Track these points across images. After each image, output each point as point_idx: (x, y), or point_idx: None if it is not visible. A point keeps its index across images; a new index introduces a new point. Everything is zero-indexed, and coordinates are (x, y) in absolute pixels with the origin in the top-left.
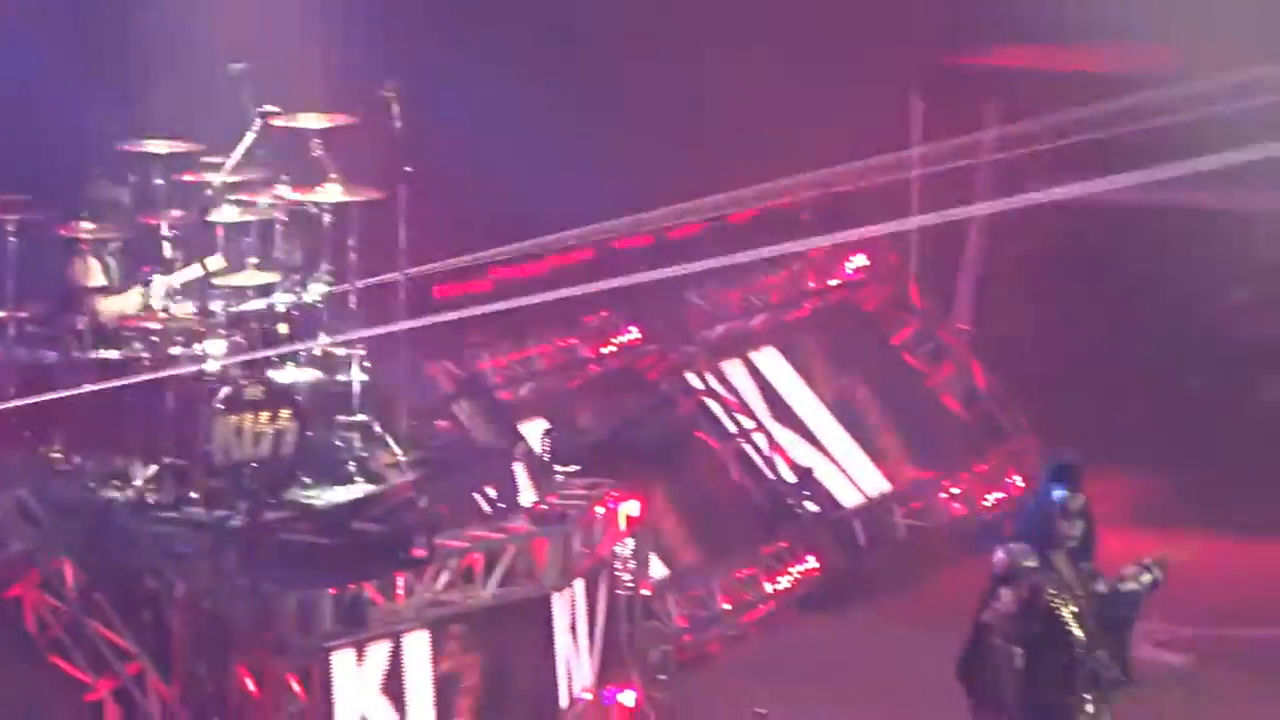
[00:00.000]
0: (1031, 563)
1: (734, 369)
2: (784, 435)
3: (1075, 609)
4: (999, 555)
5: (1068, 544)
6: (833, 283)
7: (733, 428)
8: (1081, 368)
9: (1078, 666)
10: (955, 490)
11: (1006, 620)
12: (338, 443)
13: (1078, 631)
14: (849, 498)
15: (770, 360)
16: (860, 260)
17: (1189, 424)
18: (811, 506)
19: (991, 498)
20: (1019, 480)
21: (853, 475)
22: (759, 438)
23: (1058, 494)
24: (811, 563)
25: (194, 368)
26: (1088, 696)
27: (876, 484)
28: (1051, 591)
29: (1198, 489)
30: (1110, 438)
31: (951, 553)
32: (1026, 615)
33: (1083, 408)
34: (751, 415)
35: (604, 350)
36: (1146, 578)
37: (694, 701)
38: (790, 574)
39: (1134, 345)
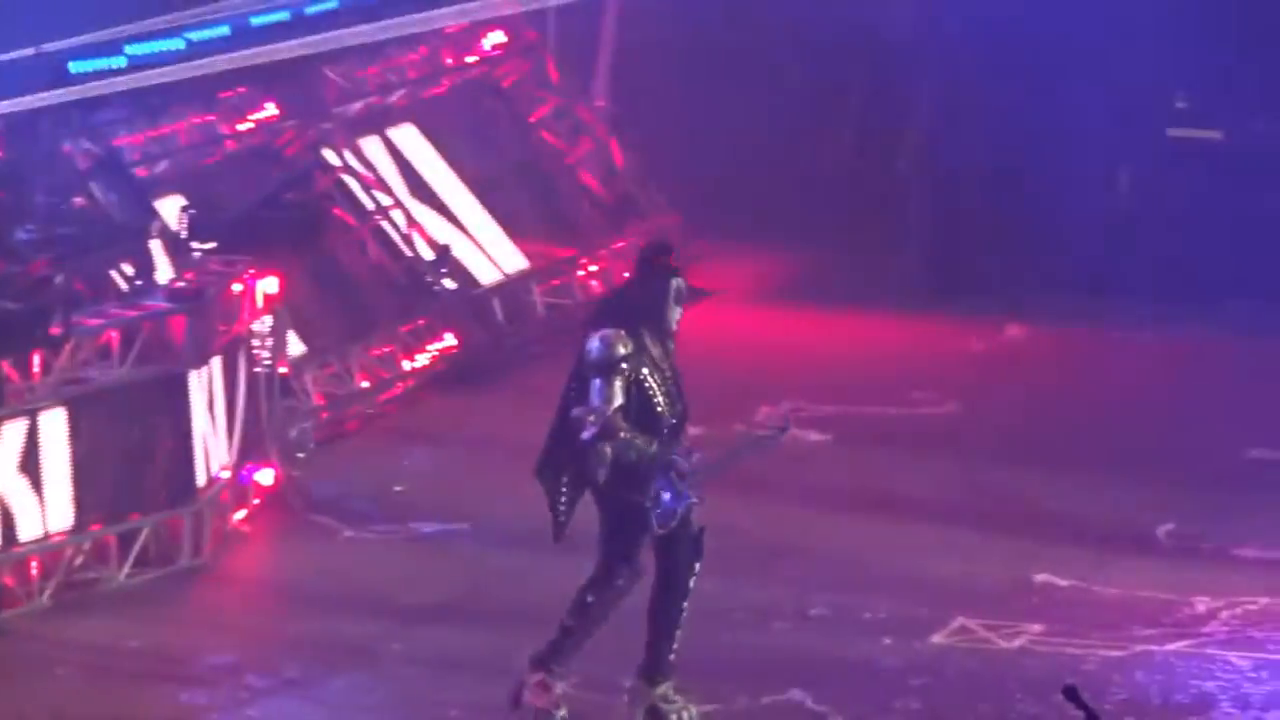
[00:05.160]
0: (626, 349)
1: (372, 146)
2: (422, 213)
3: (663, 387)
4: (595, 344)
5: (673, 328)
6: (470, 59)
7: (371, 205)
8: (718, 145)
9: (667, 444)
10: (593, 268)
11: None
12: None
13: (664, 406)
14: (487, 275)
15: (408, 137)
16: (498, 37)
17: (824, 200)
18: (450, 284)
19: (629, 275)
20: None
21: (491, 253)
22: (397, 215)
23: (675, 281)
24: (450, 340)
25: None
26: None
27: (515, 261)
28: (645, 371)
29: (828, 265)
30: (744, 214)
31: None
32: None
33: (718, 184)
34: (389, 192)
35: (241, 127)
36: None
37: (333, 480)
38: (428, 351)
39: (770, 123)
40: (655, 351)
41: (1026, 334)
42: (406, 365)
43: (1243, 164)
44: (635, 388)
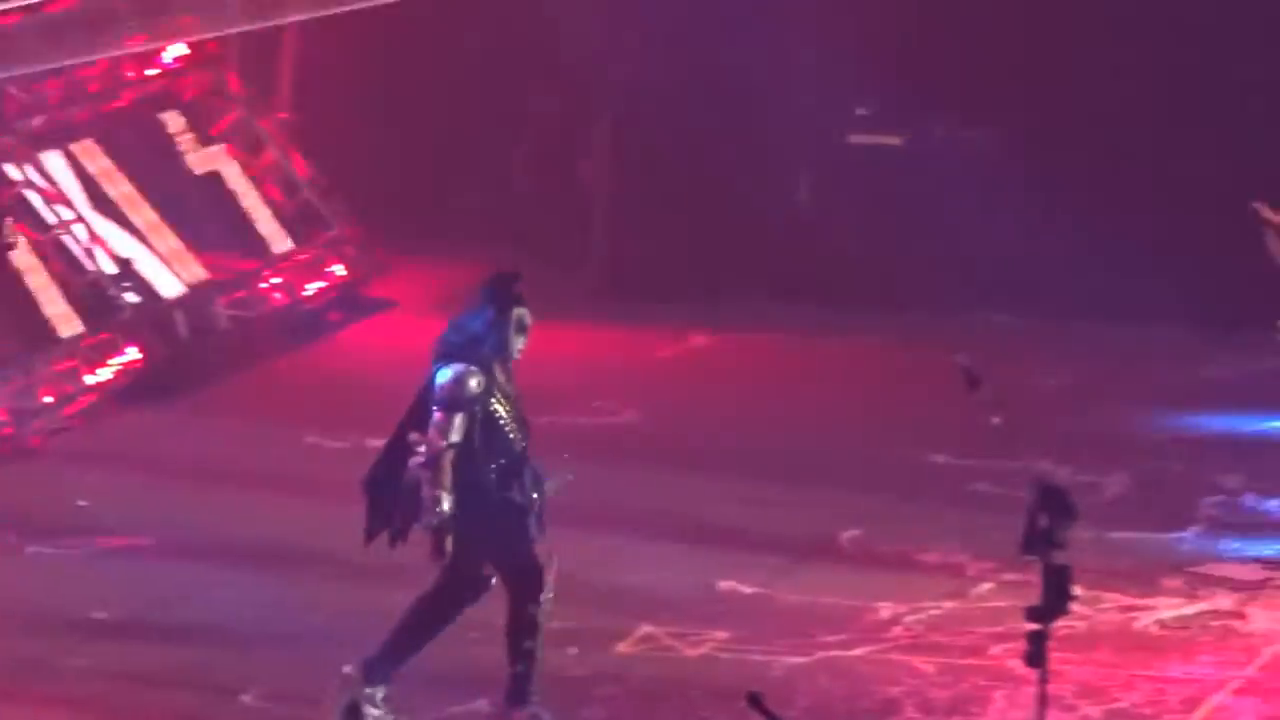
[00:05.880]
0: (478, 387)
1: (53, 160)
2: (104, 226)
3: (511, 414)
4: (448, 378)
5: (515, 356)
6: (152, 73)
7: (53, 219)
8: (402, 156)
9: (522, 467)
10: (276, 280)
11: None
12: None
13: (514, 433)
14: (170, 288)
15: (90, 151)
16: (180, 49)
17: (508, 210)
18: (132, 297)
19: (313, 287)
20: (340, 269)
21: (174, 266)
22: (79, 229)
23: (518, 311)
24: (133, 354)
25: None
26: (535, 495)
27: (198, 274)
28: (494, 402)
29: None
30: (429, 224)
31: (272, 342)
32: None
33: (402, 195)
34: (71, 207)
35: None
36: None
37: (15, 495)
38: (111, 365)
39: (454, 133)
40: (501, 379)
41: (710, 341)
42: (89, 379)
43: (923, 170)
44: (486, 419)
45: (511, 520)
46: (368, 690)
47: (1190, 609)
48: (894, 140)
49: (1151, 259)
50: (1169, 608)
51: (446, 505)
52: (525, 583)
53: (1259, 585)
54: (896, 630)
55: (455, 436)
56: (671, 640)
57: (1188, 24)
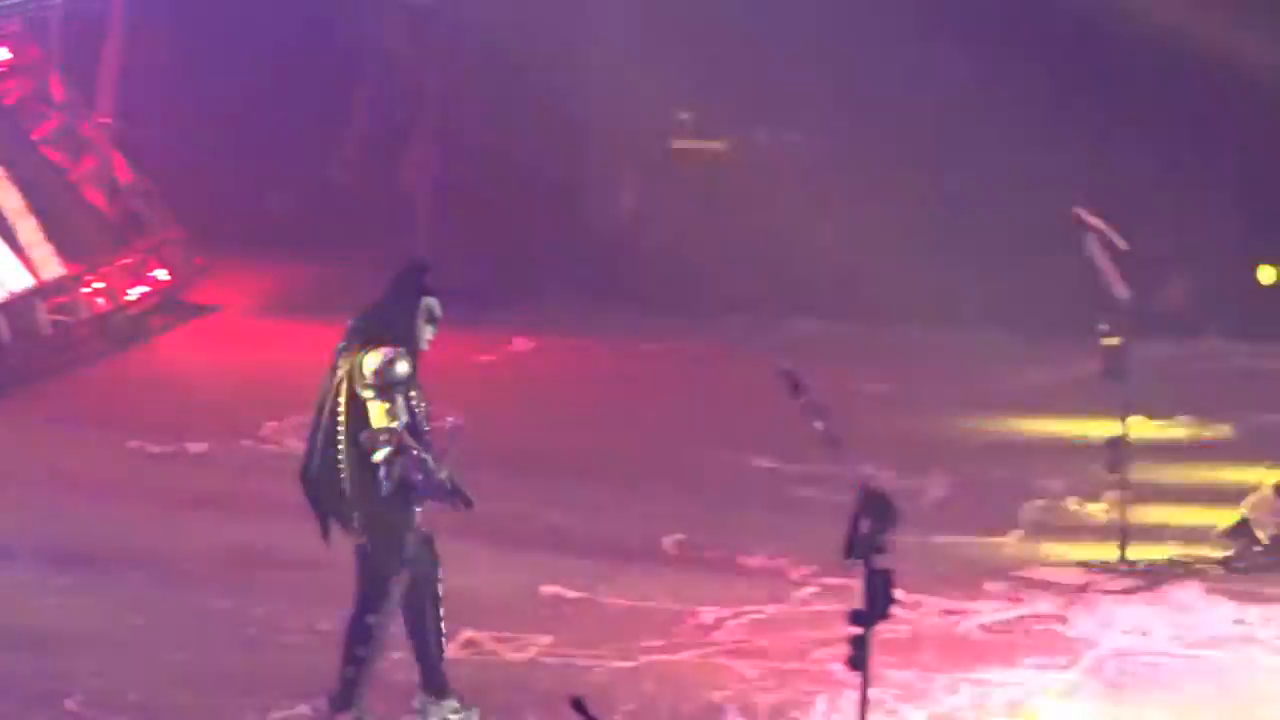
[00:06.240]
0: (410, 369)
1: None
2: None
3: (420, 402)
4: (379, 362)
5: (423, 347)
6: None
7: None
8: (228, 158)
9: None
10: (99, 284)
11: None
12: None
13: (424, 421)
14: None
15: None
16: (2, 53)
17: (333, 214)
18: None
19: (135, 291)
20: (163, 273)
21: None
22: None
23: (427, 300)
24: None
25: None
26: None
27: (20, 279)
28: (413, 393)
29: (335, 279)
30: (255, 229)
31: (95, 347)
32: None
33: (230, 199)
34: None
35: None
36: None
37: None
38: None
39: (280, 138)
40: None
41: (532, 345)
42: None
43: (746, 175)
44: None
45: (393, 522)
46: (446, 703)
47: (1012, 612)
48: (717, 145)
49: (972, 264)
50: (991, 611)
51: (435, 464)
52: (374, 589)
53: (1080, 589)
54: (719, 634)
55: (405, 416)
56: (495, 645)
57: (1013, 27)
